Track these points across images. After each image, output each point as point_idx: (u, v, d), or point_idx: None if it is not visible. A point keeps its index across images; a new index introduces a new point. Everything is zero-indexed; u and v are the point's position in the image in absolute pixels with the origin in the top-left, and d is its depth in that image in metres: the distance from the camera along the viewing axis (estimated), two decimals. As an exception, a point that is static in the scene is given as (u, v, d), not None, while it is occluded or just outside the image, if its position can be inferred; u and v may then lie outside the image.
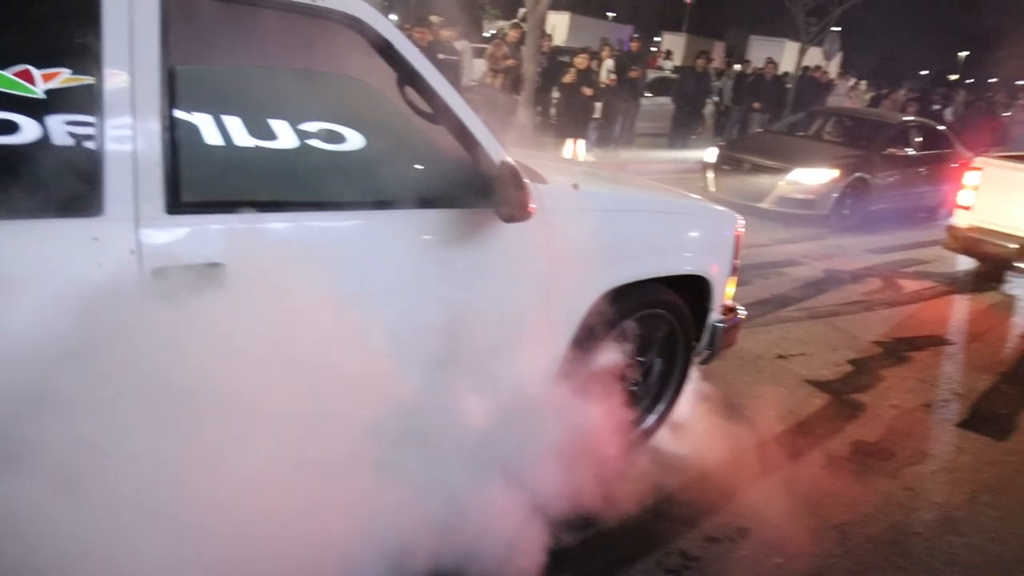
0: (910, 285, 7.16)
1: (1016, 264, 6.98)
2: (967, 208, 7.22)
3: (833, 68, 18.16)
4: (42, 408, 1.63)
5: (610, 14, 34.63)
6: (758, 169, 9.25)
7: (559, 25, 23.67)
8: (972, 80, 37.59)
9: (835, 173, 9.15)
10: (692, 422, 3.69)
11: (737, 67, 16.76)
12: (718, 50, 28.70)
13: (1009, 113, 17.23)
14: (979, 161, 7.37)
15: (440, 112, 2.43)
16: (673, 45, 25.95)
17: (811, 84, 15.40)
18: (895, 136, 10.19)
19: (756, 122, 14.17)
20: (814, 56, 17.80)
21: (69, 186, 1.76)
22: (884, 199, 9.70)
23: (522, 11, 11.73)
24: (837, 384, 4.58)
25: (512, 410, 2.62)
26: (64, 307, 1.71)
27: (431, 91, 2.41)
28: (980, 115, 16.10)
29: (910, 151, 10.19)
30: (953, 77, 45.29)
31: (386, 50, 2.31)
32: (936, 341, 5.68)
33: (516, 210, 2.40)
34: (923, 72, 46.92)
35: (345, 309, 1.97)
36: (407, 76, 2.38)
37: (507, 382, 2.64)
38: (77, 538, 1.63)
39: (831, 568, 2.89)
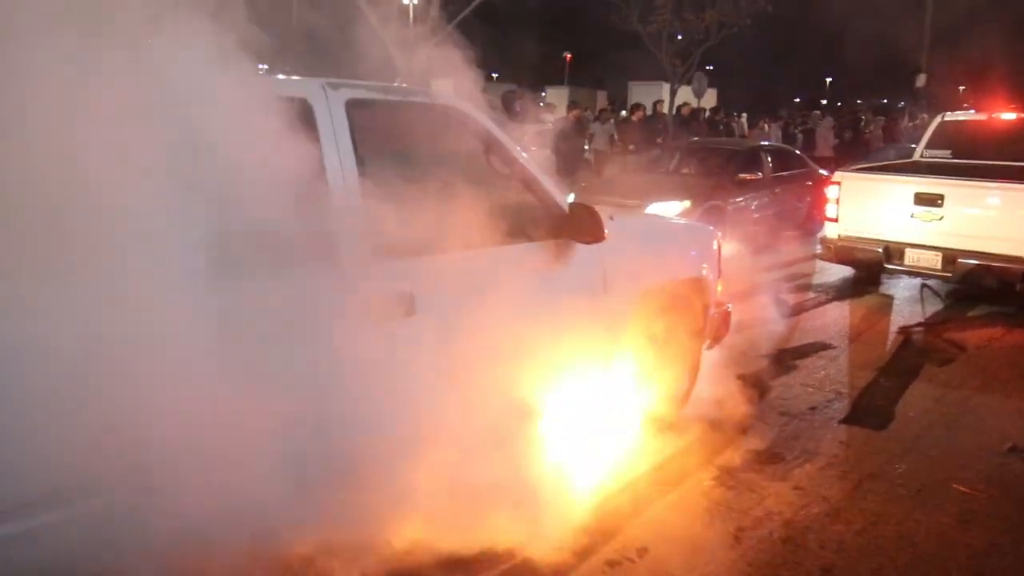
0: (793, 299, 7.52)
1: (886, 266, 7.46)
2: (834, 220, 7.70)
3: (707, 104, 19.14)
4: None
5: (494, 75, 35.59)
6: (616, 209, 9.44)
7: (444, 92, 24.15)
8: (840, 103, 39.96)
9: (687, 204, 9.44)
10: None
11: (623, 112, 17.49)
12: (601, 99, 29.81)
13: (870, 129, 18.57)
14: (838, 175, 7.89)
15: (519, 174, 3.40)
16: (556, 99, 26.78)
17: (683, 121, 16.16)
18: (745, 162, 10.57)
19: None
20: (686, 95, 18.77)
21: None
22: (742, 223, 10.02)
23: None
24: (728, 401, 4.76)
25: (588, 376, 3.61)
26: None
27: (513, 159, 3.38)
28: (846, 135, 17.32)
29: (761, 175, 10.60)
30: (823, 102, 48.17)
31: (481, 131, 3.29)
32: (819, 347, 5.99)
33: (595, 235, 3.38)
34: (796, 100, 49.65)
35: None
36: (498, 149, 3.34)
37: (587, 353, 3.59)
38: None
39: (727, 572, 3.00)
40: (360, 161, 2.75)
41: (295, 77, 2.98)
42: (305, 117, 2.66)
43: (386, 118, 2.89)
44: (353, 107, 2.84)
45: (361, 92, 2.96)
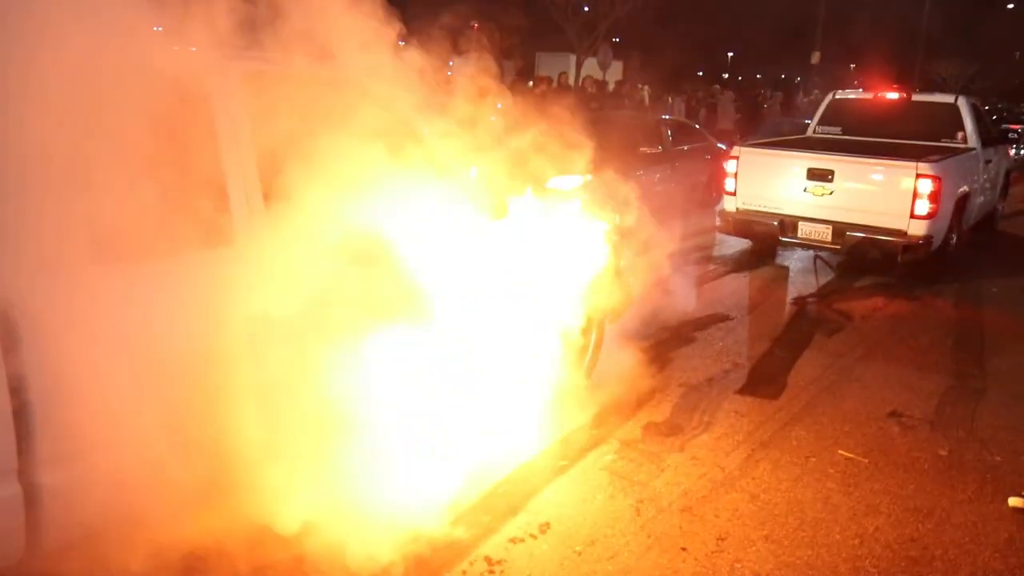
0: (694, 271, 7.72)
1: (781, 238, 7.74)
2: (732, 193, 7.92)
3: (613, 76, 19.30)
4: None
5: (402, 43, 34.94)
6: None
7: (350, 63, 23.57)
8: (740, 77, 41.04)
9: (588, 176, 9.45)
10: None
11: (530, 83, 17.45)
12: (508, 68, 29.68)
13: (768, 104, 19.18)
14: (736, 150, 8.11)
15: (425, 149, 3.36)
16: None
17: (588, 93, 16.23)
18: (646, 135, 10.63)
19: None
20: (592, 67, 18.89)
21: None
22: (643, 196, 10.11)
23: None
24: (630, 374, 4.86)
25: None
26: None
27: (418, 135, 3.39)
28: (745, 110, 17.82)
29: (662, 148, 10.70)
30: (725, 75, 49.35)
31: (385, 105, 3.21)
32: (718, 319, 6.17)
33: (498, 211, 3.60)
34: (700, 73, 50.70)
35: None
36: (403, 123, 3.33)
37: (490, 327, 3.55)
38: None
39: (627, 543, 3.08)
40: (255, 136, 2.70)
41: (190, 48, 2.85)
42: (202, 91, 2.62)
43: (284, 91, 2.84)
44: (250, 80, 2.77)
45: (259, 64, 2.90)
